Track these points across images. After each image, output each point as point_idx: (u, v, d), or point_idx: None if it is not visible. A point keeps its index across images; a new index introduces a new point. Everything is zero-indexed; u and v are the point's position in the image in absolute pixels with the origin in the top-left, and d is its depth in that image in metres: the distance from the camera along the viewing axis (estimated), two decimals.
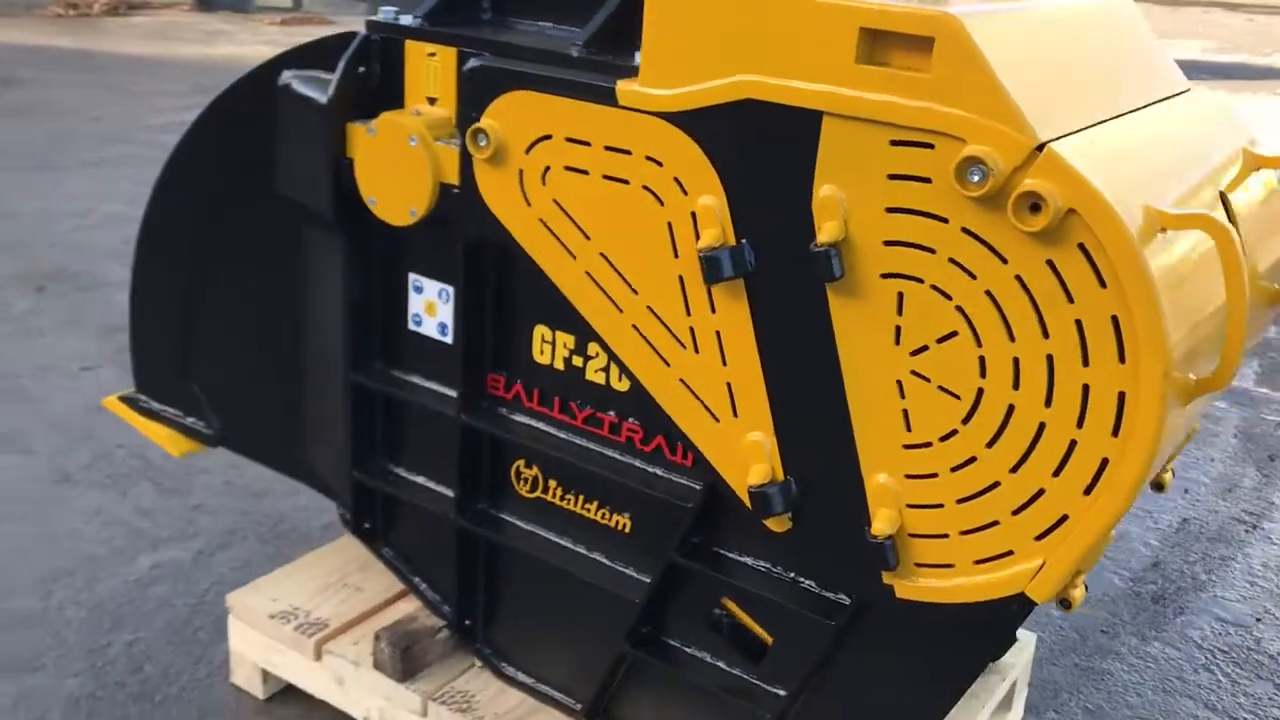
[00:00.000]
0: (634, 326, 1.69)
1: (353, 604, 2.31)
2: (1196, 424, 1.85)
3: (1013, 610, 1.49)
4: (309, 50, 2.00)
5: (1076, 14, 1.63)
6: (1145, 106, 1.62)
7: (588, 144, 1.65)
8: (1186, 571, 3.05)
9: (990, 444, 1.44)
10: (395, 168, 1.86)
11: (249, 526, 2.97)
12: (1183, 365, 1.36)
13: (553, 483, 1.96)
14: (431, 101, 1.87)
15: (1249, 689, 2.59)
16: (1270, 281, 1.76)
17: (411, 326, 2.04)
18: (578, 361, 1.86)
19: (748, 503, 1.62)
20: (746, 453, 1.63)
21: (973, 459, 1.46)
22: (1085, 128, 1.41)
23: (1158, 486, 1.91)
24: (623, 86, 1.60)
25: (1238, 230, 1.59)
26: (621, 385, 1.82)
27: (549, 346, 1.89)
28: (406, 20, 1.88)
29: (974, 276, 1.39)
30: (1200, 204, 1.51)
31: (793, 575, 1.72)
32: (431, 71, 1.86)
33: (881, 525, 1.52)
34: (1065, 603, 1.55)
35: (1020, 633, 2.34)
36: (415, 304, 2.02)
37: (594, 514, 1.92)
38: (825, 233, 1.46)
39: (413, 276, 2.01)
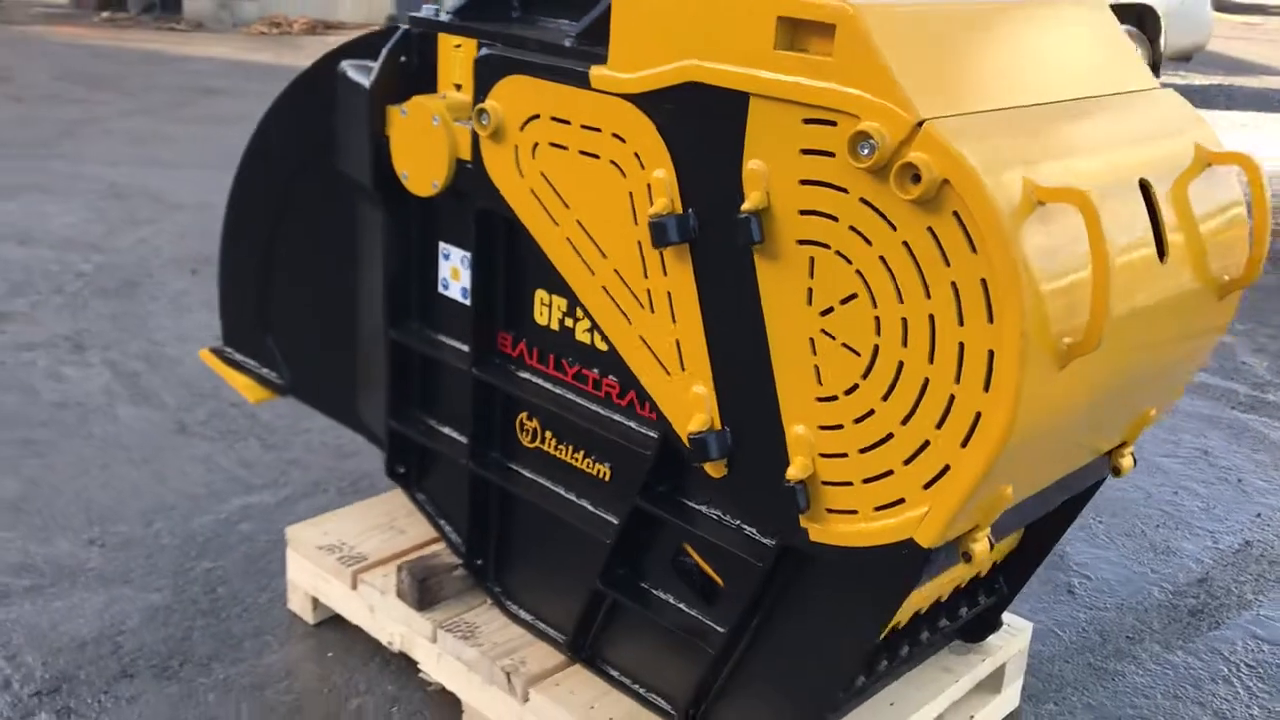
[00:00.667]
0: (604, 288, 1.88)
1: (393, 543, 2.57)
2: (1153, 410, 1.91)
3: (904, 555, 1.61)
4: (365, 41, 2.26)
5: (1013, 12, 1.74)
6: (1080, 98, 1.72)
7: (568, 122, 1.86)
8: (1234, 590, 3.02)
9: (885, 398, 1.57)
10: (421, 145, 2.10)
11: (333, 480, 3.27)
12: (1059, 329, 1.47)
13: (549, 434, 2.16)
14: (458, 88, 2.11)
15: (1267, 704, 2.57)
16: (1223, 274, 1.83)
17: (440, 290, 2.28)
18: (569, 323, 2.06)
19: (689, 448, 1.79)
20: (690, 403, 1.80)
21: (871, 412, 1.59)
22: (984, 110, 1.54)
23: (1115, 471, 1.98)
24: (595, 71, 1.80)
25: (1157, 211, 1.68)
26: (603, 345, 2.00)
27: (546, 309, 2.09)
28: (441, 16, 2.13)
29: (870, 243, 1.53)
30: (1110, 185, 1.61)
31: (738, 522, 1.88)
32: (457, 61, 2.09)
33: (794, 471, 1.67)
34: (966, 555, 1.67)
35: (1013, 619, 2.42)
36: (444, 269, 2.26)
37: (580, 463, 2.11)
38: (749, 201, 1.62)
39: (442, 245, 2.25)
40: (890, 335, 1.55)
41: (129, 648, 2.52)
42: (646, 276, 1.81)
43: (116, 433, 3.49)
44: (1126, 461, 1.97)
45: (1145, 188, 1.67)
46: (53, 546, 2.88)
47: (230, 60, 10.61)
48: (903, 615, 2.02)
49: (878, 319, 1.55)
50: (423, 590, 2.33)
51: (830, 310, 1.60)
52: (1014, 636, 2.39)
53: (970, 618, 2.25)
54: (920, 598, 2.02)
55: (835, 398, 1.63)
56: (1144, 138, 1.78)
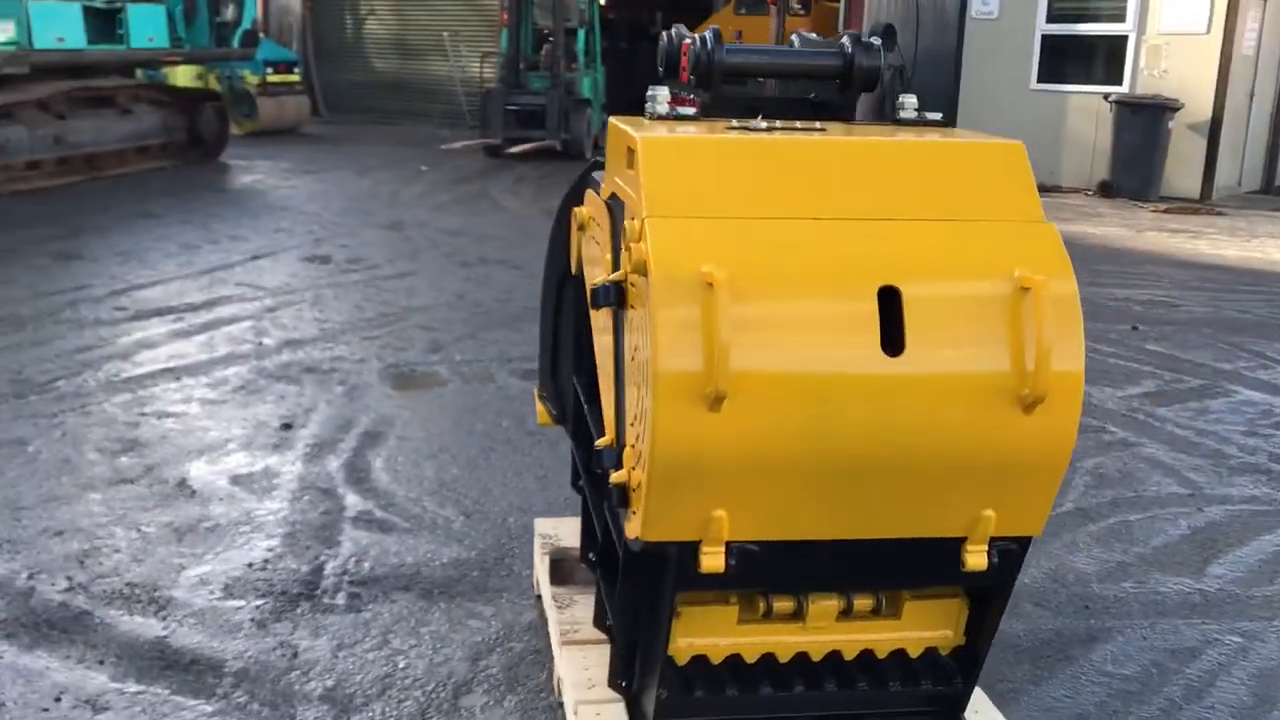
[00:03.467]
0: (595, 339, 2.58)
1: None
2: (989, 512, 2.09)
3: (643, 549, 2.10)
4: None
5: (809, 149, 2.16)
6: (873, 220, 2.07)
7: (595, 220, 2.60)
8: None
9: (634, 424, 2.10)
10: (573, 238, 2.96)
11: None
12: (706, 378, 1.92)
13: None
14: None
15: None
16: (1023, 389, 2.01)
17: None
18: None
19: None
20: (609, 425, 2.42)
21: (640, 436, 2.13)
22: (717, 217, 2.03)
23: (961, 564, 2.17)
24: (601, 186, 2.53)
25: (901, 315, 1.98)
26: None
27: None
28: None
29: (640, 306, 2.10)
30: (836, 287, 1.98)
31: None
32: None
33: (615, 476, 2.23)
34: (697, 564, 2.09)
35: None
36: None
37: None
38: (613, 276, 2.26)
39: None
40: (642, 374, 2.09)
41: (423, 575, 3.62)
42: (603, 330, 2.48)
43: (548, 458, 4.68)
44: (972, 560, 2.16)
45: (894, 291, 1.99)
46: (440, 510, 4.11)
47: None
48: (781, 650, 2.37)
49: (642, 361, 2.10)
50: (554, 569, 3.12)
51: (633, 356, 2.17)
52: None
53: (918, 697, 2.45)
54: (784, 636, 2.35)
55: (632, 423, 2.18)
56: (946, 258, 2.06)
